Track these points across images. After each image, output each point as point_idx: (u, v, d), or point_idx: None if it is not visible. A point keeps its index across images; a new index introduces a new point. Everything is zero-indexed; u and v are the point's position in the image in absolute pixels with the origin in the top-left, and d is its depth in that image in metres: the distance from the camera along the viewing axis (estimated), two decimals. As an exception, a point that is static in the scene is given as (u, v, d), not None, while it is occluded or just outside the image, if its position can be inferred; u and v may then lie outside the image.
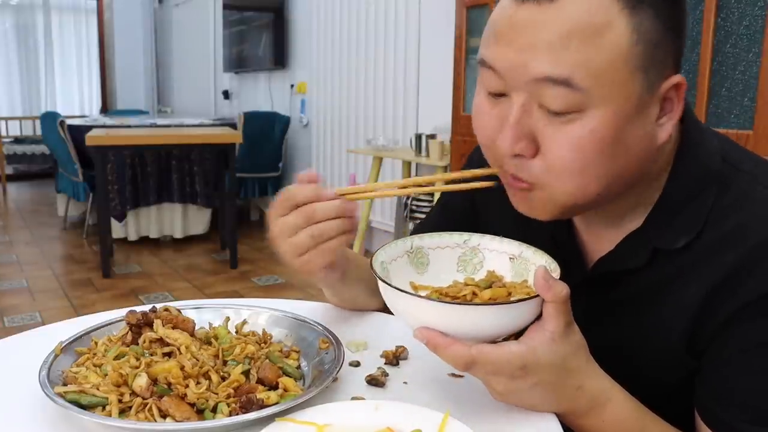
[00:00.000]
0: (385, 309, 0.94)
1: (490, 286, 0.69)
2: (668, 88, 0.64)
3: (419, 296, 0.63)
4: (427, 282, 0.73)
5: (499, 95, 0.66)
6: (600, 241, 0.76)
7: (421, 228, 0.96)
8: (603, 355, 0.73)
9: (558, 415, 0.66)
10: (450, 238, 0.75)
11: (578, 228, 0.80)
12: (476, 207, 0.92)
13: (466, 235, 0.75)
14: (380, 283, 0.65)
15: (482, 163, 0.90)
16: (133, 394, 0.66)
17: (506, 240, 0.73)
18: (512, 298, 0.66)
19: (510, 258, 0.73)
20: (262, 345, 0.78)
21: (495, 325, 0.61)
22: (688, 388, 0.69)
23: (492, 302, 0.64)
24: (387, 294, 0.65)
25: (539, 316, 0.62)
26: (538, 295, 0.61)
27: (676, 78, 0.64)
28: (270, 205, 0.75)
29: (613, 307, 0.74)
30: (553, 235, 0.79)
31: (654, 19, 0.61)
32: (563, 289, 0.60)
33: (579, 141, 0.62)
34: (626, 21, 0.60)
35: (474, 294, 0.68)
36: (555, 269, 0.66)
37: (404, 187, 0.75)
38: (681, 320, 0.68)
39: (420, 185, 0.77)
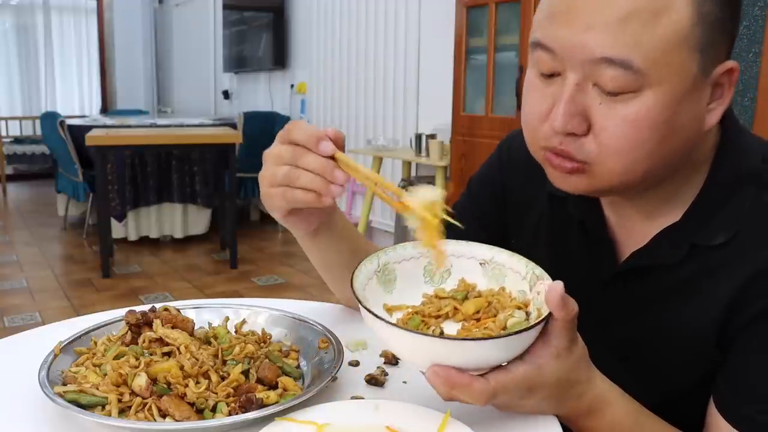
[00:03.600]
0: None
1: (467, 297, 0.67)
2: (721, 73, 0.64)
3: (427, 335, 0.57)
4: (398, 301, 0.69)
5: (552, 75, 0.66)
6: (632, 234, 0.76)
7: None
8: (629, 348, 0.73)
9: (558, 416, 0.66)
10: (413, 249, 0.71)
11: (610, 220, 0.79)
12: (506, 190, 0.91)
13: None
14: (370, 318, 0.59)
15: (513, 151, 0.90)
16: (133, 393, 0.66)
17: (474, 243, 0.71)
18: (517, 328, 0.60)
19: (480, 263, 0.70)
20: (262, 344, 0.78)
21: (512, 352, 0.59)
22: (709, 383, 0.69)
23: (505, 334, 0.59)
24: (383, 331, 0.59)
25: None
26: (545, 318, 0.58)
27: (730, 63, 0.64)
28: (281, 130, 0.72)
29: (643, 301, 0.74)
30: (583, 222, 0.79)
31: (716, 1, 0.61)
32: (575, 307, 0.60)
33: (633, 120, 0.62)
34: (690, 1, 0.60)
35: (455, 309, 0.66)
36: (541, 274, 0.64)
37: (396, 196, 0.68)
38: (713, 314, 0.67)
39: (404, 207, 0.66)
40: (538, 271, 0.65)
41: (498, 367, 0.59)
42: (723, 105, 0.66)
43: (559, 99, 0.64)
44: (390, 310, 0.69)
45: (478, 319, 0.65)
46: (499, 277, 0.69)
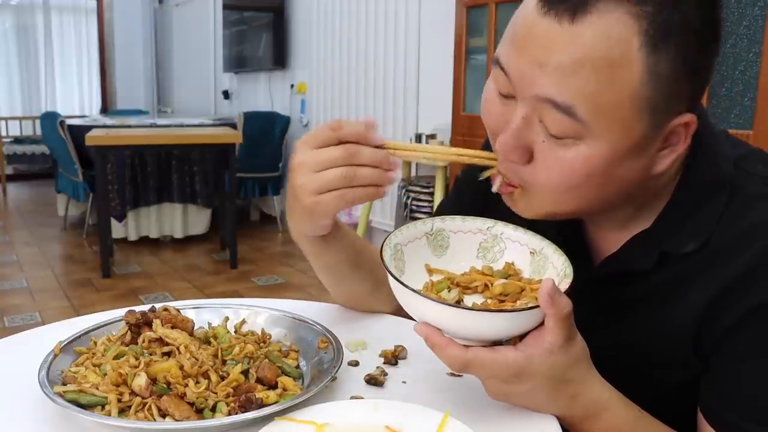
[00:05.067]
0: (359, 295, 0.92)
1: (507, 279, 0.68)
2: (677, 125, 0.63)
3: (420, 294, 0.61)
4: (444, 266, 0.72)
5: (508, 96, 0.66)
6: (607, 240, 0.76)
7: (437, 213, 0.95)
8: (607, 354, 0.73)
9: (557, 417, 0.66)
10: (473, 223, 0.74)
11: (587, 228, 0.79)
12: (489, 197, 0.91)
13: (490, 222, 0.74)
14: (389, 276, 0.63)
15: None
16: (133, 393, 0.66)
17: (530, 232, 0.72)
18: (517, 304, 0.64)
19: (531, 252, 0.71)
20: (261, 344, 0.78)
21: (494, 331, 0.60)
22: (693, 389, 0.69)
23: (492, 309, 0.63)
24: (392, 285, 0.64)
25: (542, 323, 0.61)
26: (529, 308, 0.60)
27: (686, 117, 0.63)
28: (306, 136, 0.71)
29: (618, 308, 0.74)
30: (560, 230, 0.79)
31: (673, 61, 0.59)
32: (566, 306, 0.60)
33: (570, 165, 0.62)
34: (643, 60, 0.58)
35: (486, 286, 0.67)
36: (569, 274, 0.65)
37: (451, 155, 0.72)
38: (688, 321, 0.67)
39: (462, 155, 0.72)
40: (569, 270, 0.66)
41: (486, 346, 0.61)
42: (676, 152, 0.65)
43: (506, 128, 0.65)
44: (431, 271, 0.72)
45: (502, 301, 0.66)
46: (542, 269, 0.70)
